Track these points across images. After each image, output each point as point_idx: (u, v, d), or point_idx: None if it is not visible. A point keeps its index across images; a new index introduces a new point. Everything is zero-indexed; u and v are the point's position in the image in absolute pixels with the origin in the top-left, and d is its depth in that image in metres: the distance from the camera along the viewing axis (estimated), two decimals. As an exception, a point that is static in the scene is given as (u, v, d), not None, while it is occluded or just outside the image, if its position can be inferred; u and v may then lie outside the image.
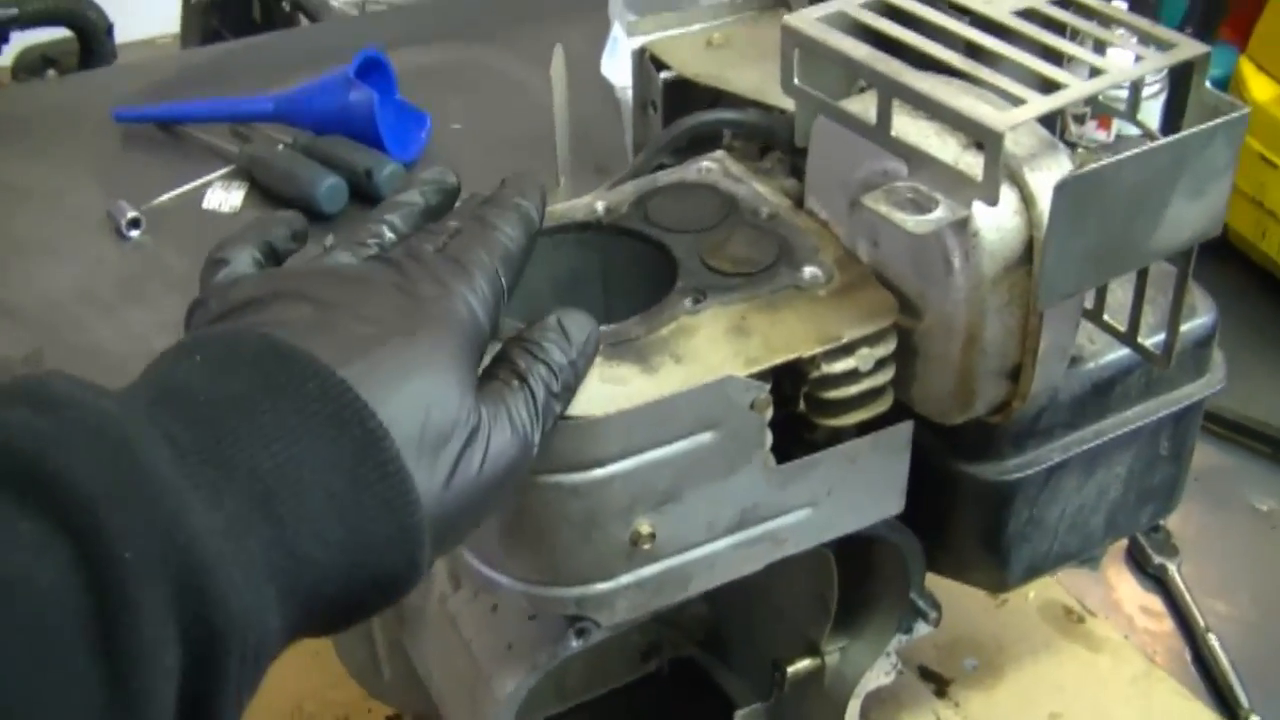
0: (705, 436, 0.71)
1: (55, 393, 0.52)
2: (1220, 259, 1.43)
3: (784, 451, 0.75)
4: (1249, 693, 1.09)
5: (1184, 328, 0.85)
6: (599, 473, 0.69)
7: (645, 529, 0.72)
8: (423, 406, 0.59)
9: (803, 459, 0.76)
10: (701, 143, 0.90)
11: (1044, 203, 0.71)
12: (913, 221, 0.70)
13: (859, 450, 0.77)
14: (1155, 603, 1.19)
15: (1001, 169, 0.69)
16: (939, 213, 0.71)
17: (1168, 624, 1.17)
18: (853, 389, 0.75)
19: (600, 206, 0.83)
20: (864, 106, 0.76)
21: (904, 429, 0.79)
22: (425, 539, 0.58)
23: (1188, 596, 1.17)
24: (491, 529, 0.72)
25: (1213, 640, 1.14)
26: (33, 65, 2.65)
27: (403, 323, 0.62)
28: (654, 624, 1.06)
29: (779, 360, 0.72)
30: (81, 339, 1.51)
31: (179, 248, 1.64)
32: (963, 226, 0.71)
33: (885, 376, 0.76)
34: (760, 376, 0.72)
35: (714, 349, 0.72)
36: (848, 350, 0.74)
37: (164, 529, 0.49)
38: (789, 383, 0.74)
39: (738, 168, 0.86)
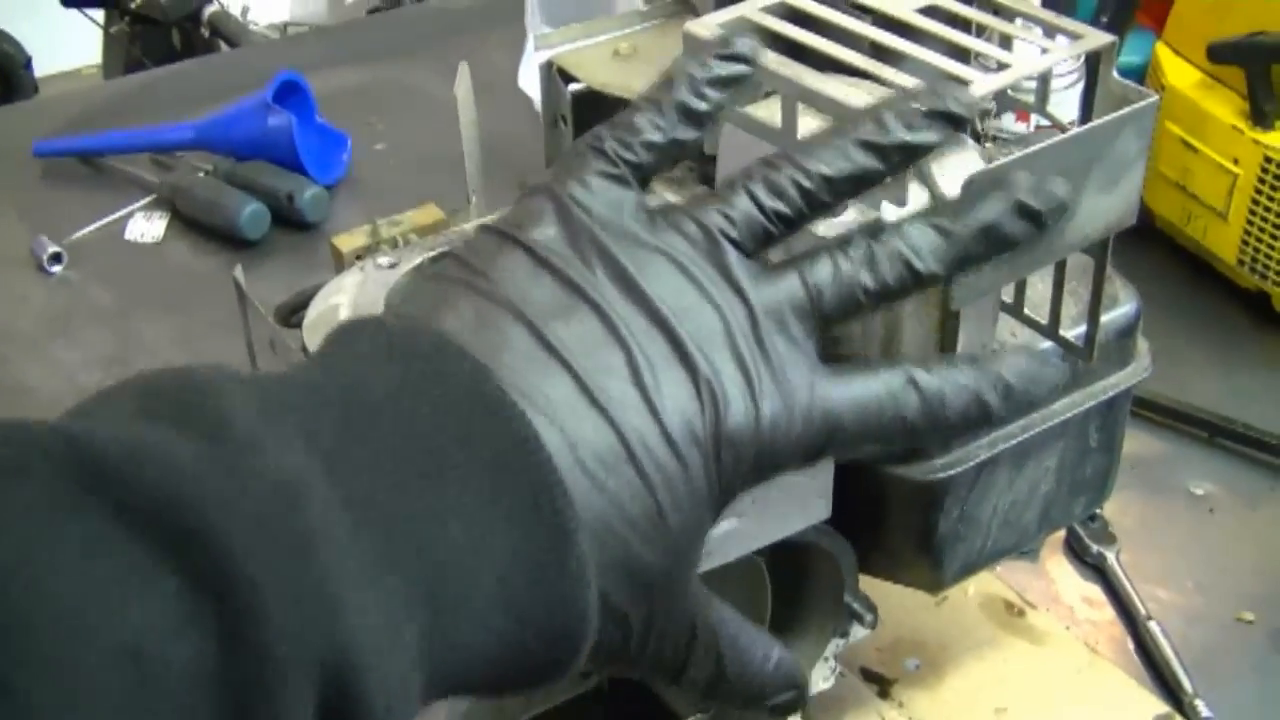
0: (624, 453, 0.70)
1: (211, 409, 0.46)
2: (1146, 245, 1.45)
3: (706, 463, 0.75)
4: (1192, 678, 1.09)
5: (1106, 318, 0.85)
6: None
7: (569, 548, 0.71)
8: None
9: (725, 470, 0.75)
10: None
11: (953, 201, 0.70)
12: (823, 225, 0.70)
13: (781, 459, 0.77)
14: (1096, 592, 1.19)
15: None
16: (848, 215, 0.70)
17: (1109, 613, 1.17)
18: (772, 397, 0.74)
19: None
20: (770, 112, 0.75)
21: (824, 435, 0.78)
22: (592, 613, 0.52)
23: (1127, 585, 1.17)
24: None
25: (1154, 627, 1.13)
26: (-49, 100, 2.62)
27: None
28: (592, 640, 1.05)
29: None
30: (6, 377, 1.49)
31: (103, 281, 1.63)
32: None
33: (805, 383, 0.75)
34: (677, 389, 0.71)
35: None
36: (765, 358, 0.73)
37: (325, 626, 0.44)
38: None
39: (647, 178, 0.85)
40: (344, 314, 0.76)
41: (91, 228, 1.70)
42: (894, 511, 0.88)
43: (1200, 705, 1.07)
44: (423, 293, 0.57)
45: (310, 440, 0.47)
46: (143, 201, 1.73)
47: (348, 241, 0.88)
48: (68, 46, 2.97)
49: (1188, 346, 1.40)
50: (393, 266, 0.79)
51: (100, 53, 2.87)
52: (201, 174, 1.71)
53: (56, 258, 1.64)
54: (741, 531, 0.77)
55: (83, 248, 1.67)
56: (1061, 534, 1.22)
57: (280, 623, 0.42)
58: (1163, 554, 1.22)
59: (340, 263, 0.88)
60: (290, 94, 1.72)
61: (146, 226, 1.69)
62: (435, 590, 0.48)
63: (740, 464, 0.58)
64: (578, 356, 0.53)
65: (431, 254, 0.80)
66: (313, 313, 0.77)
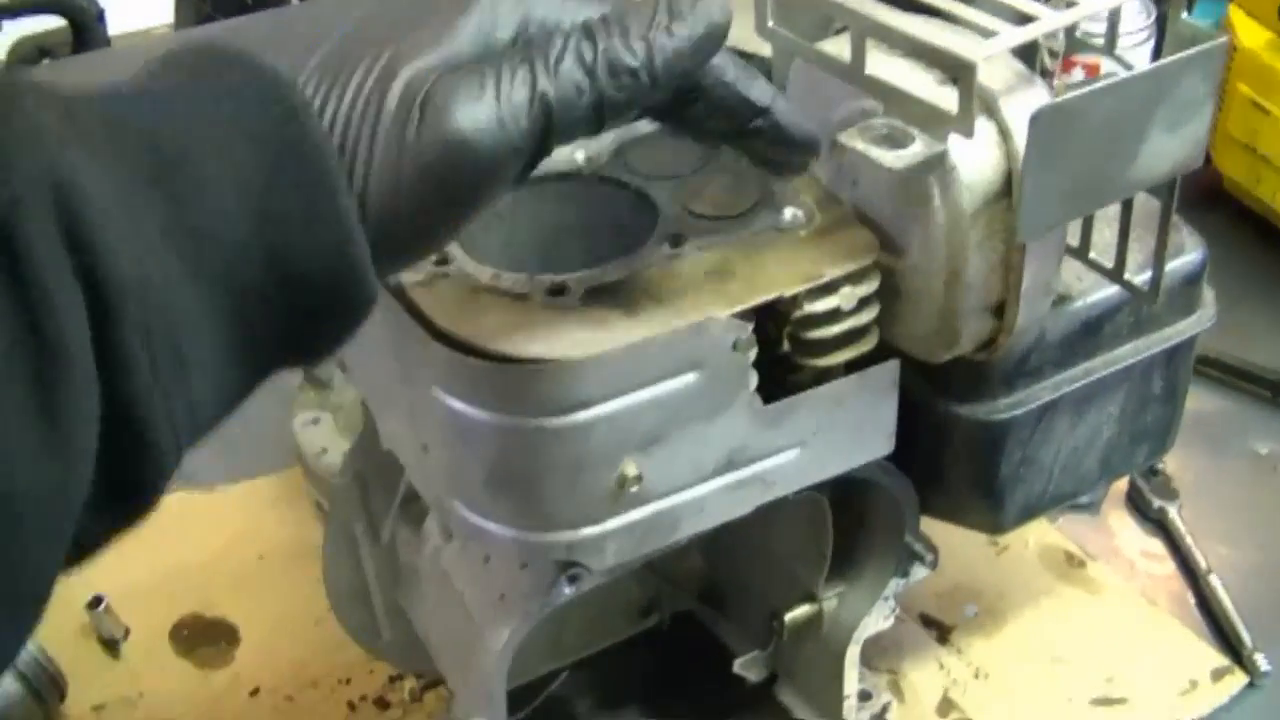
0: (689, 378, 0.71)
1: None
2: (1214, 206, 1.44)
3: (771, 394, 0.75)
4: (1251, 633, 1.09)
5: (1172, 265, 0.86)
6: (582, 416, 0.69)
7: (632, 471, 0.72)
8: None
9: (788, 399, 0.76)
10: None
11: (1021, 136, 0.71)
12: (890, 157, 0.70)
13: (845, 390, 0.78)
14: (1156, 546, 1.19)
15: (976, 101, 0.69)
16: (915, 147, 0.71)
17: (1169, 567, 1.17)
18: (836, 328, 0.75)
19: (580, 157, 0.83)
20: (839, 48, 0.76)
21: (890, 368, 0.79)
22: (353, 226, 0.53)
23: (1188, 539, 1.17)
24: (476, 476, 0.72)
25: (1214, 581, 1.13)
26: (28, 56, 2.63)
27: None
28: (652, 578, 1.06)
29: (760, 300, 0.72)
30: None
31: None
32: (940, 161, 0.71)
33: (868, 315, 0.76)
34: (742, 317, 0.72)
35: (695, 291, 0.72)
36: (830, 289, 0.74)
37: (52, 179, 0.44)
38: (773, 324, 0.74)
39: (717, 114, 0.86)
40: None
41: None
42: (956, 451, 0.88)
43: (1260, 659, 1.07)
44: None
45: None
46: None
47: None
48: (141, 3, 2.98)
49: (1255, 307, 1.39)
50: (464, 196, 0.81)
51: (173, 11, 2.88)
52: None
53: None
54: (802, 462, 0.78)
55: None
56: (1123, 488, 1.22)
57: (7, 168, 0.43)
58: (1224, 511, 1.21)
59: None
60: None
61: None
62: (164, 176, 0.48)
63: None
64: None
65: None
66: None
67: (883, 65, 0.74)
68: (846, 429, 0.79)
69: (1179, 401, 0.96)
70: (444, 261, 0.75)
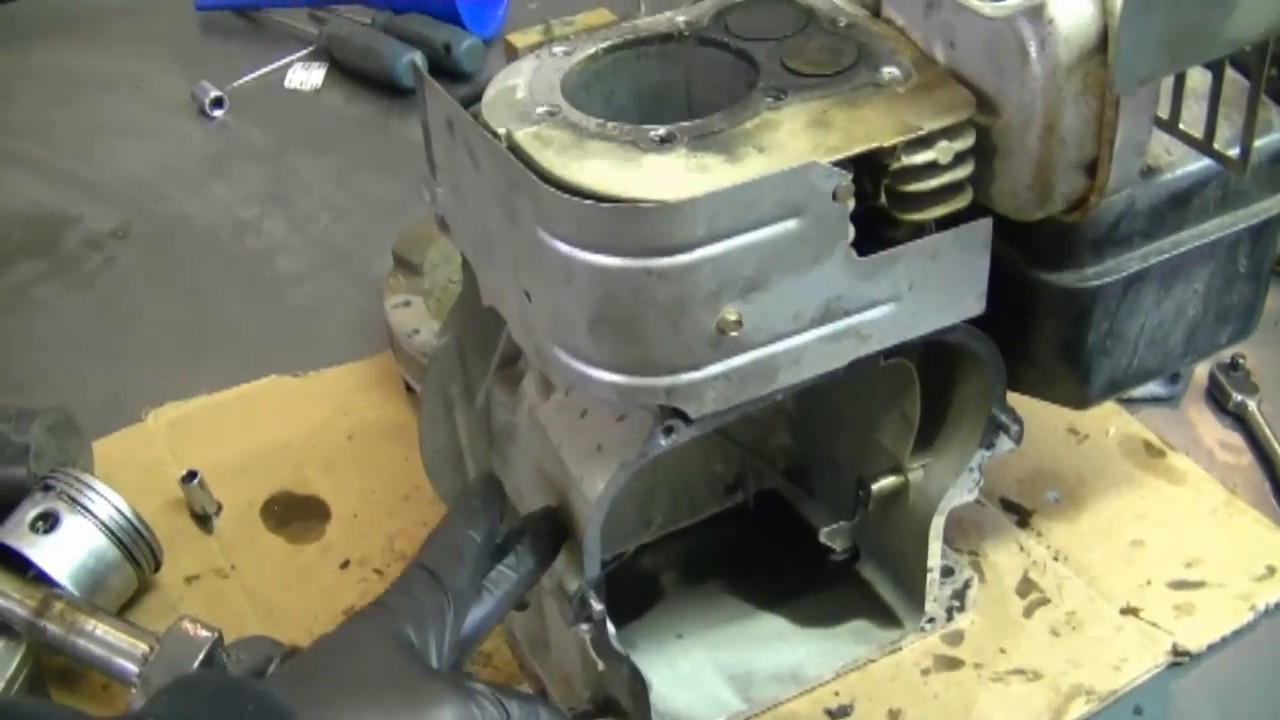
0: (789, 224, 0.73)
1: None
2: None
3: (866, 249, 0.77)
4: (1329, 523, 1.10)
5: (1261, 141, 0.86)
6: (685, 257, 0.71)
7: (732, 316, 0.73)
8: None
9: (884, 252, 0.77)
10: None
11: (1118, -12, 0.72)
12: (990, 7, 0.71)
13: (939, 245, 0.79)
14: (1235, 439, 1.20)
15: (1078, -49, 0.70)
16: (1019, 0, 0.72)
17: (1247, 458, 1.18)
18: (932, 182, 0.76)
19: (681, 21, 0.84)
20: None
21: (984, 225, 0.80)
22: None
23: (1267, 430, 1.18)
24: (580, 320, 0.74)
25: (1294, 471, 1.15)
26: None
27: None
28: (738, 455, 1.08)
29: (859, 149, 0.73)
30: (168, 211, 1.55)
31: (261, 124, 1.68)
32: (1038, 13, 0.72)
33: (964, 171, 0.77)
34: (841, 166, 0.73)
35: (796, 141, 0.74)
36: (926, 142, 0.75)
37: None
38: (869, 178, 0.75)
39: (812, -20, 0.87)
40: (520, 93, 0.79)
41: (252, 76, 1.75)
42: (1044, 320, 0.89)
43: (1337, 547, 1.08)
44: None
45: None
46: (302, 52, 1.77)
47: (522, 39, 0.91)
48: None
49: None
50: (567, 54, 0.82)
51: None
52: (359, 26, 1.75)
53: (218, 102, 1.69)
54: (896, 317, 0.80)
55: (243, 95, 1.73)
56: (1203, 382, 1.23)
57: None
58: (1305, 404, 1.22)
59: (514, 58, 0.91)
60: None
61: (305, 75, 1.73)
62: None
63: None
64: None
65: (605, 44, 0.82)
66: (491, 91, 0.80)
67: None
68: (940, 285, 0.80)
69: (1264, 281, 0.96)
70: (552, 114, 0.76)
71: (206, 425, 1.26)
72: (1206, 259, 0.91)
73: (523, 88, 0.80)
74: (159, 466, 1.21)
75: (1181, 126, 0.84)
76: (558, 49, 0.83)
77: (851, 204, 0.74)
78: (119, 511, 1.07)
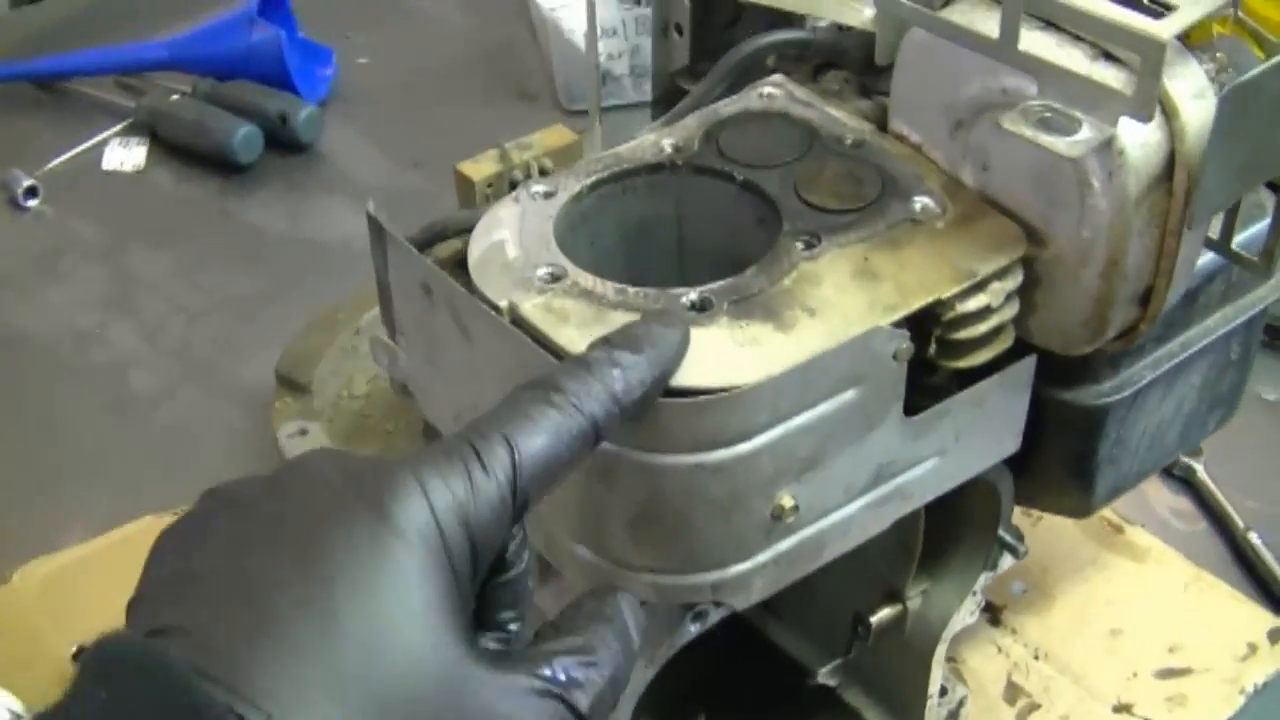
0: (849, 394, 0.65)
1: None
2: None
3: (909, 403, 0.69)
4: (1295, 587, 1.07)
5: (1256, 228, 0.81)
6: (744, 447, 0.62)
7: (788, 502, 0.65)
8: None
9: (935, 407, 0.70)
10: (746, 68, 0.83)
11: (1186, 114, 0.66)
12: (1064, 144, 0.64)
13: (987, 391, 0.72)
14: (1185, 504, 1.16)
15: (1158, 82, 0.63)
16: (1086, 132, 0.65)
17: (1202, 525, 1.14)
18: (983, 326, 0.69)
19: (667, 144, 0.75)
20: (966, 18, 0.69)
21: (1027, 364, 0.73)
22: None
23: (1218, 495, 1.14)
24: (619, 521, 0.65)
25: (1254, 538, 1.11)
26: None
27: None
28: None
29: (918, 304, 0.66)
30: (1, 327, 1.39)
31: (84, 214, 1.53)
32: (1107, 146, 0.65)
33: (1012, 311, 0.70)
34: (899, 324, 0.65)
35: (845, 298, 0.66)
36: (980, 286, 0.68)
37: None
38: (918, 329, 0.68)
39: (803, 91, 0.79)
40: (511, 251, 0.69)
41: (63, 158, 1.60)
42: (1054, 436, 0.83)
43: (1312, 615, 1.05)
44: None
45: None
46: (117, 127, 1.63)
47: (476, 170, 0.81)
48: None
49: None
50: (549, 196, 0.72)
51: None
52: (177, 96, 1.61)
53: (32, 191, 1.53)
54: (940, 469, 0.73)
55: (57, 180, 1.57)
56: (1144, 445, 1.19)
57: None
58: (1246, 462, 1.18)
59: (469, 191, 0.81)
60: (268, 8, 1.62)
61: (125, 154, 1.59)
62: None
63: None
64: None
65: (589, 181, 0.73)
66: (477, 250, 0.70)
67: (1026, 39, 0.67)
68: (984, 431, 0.73)
69: (1249, 365, 0.92)
70: (557, 278, 0.67)
71: (85, 580, 1.13)
72: (1207, 354, 0.86)
73: (512, 244, 0.70)
74: (37, 635, 1.08)
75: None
76: (537, 188, 0.74)
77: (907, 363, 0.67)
78: (10, 713, 0.93)
